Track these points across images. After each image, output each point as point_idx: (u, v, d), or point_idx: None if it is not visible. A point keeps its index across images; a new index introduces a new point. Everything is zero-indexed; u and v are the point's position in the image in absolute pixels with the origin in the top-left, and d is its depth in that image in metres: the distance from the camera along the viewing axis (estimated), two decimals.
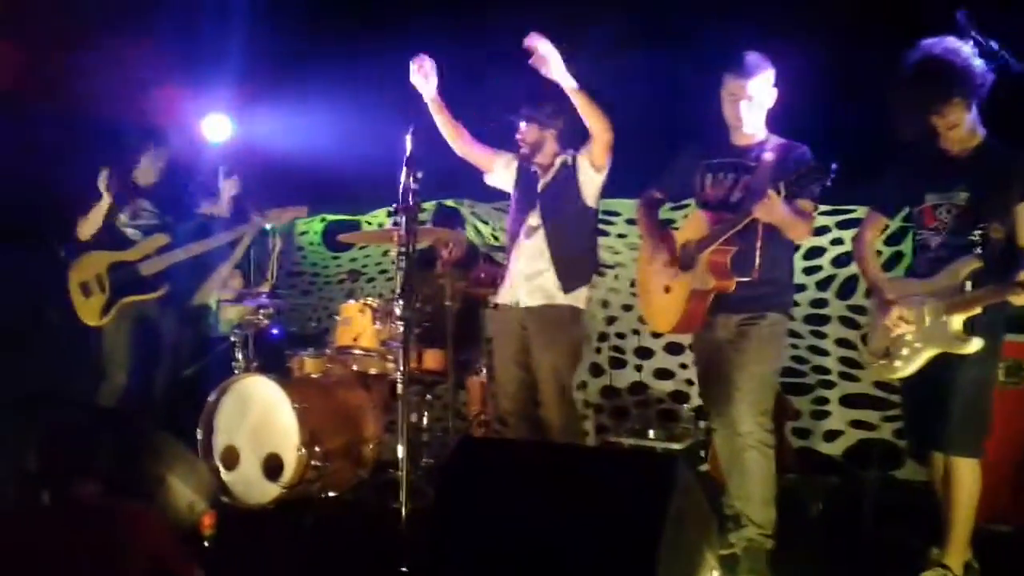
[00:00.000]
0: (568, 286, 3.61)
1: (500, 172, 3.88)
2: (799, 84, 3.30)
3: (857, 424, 4.74)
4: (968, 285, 2.86)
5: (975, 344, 2.84)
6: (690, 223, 3.34)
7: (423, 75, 3.68)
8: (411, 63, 3.69)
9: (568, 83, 3.42)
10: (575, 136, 3.62)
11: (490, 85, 4.29)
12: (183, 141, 5.12)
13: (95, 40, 4.86)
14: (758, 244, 3.14)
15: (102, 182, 4.33)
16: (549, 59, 3.37)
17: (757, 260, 3.14)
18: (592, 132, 3.53)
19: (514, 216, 3.78)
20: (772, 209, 2.96)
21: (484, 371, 4.58)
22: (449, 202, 5.72)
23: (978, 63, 2.86)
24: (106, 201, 4.37)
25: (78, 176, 4.50)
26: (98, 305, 4.42)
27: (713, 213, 3.23)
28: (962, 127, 2.94)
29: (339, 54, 5.22)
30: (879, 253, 4.38)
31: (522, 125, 3.69)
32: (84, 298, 4.44)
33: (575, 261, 3.65)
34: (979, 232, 2.91)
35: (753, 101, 3.21)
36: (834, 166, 2.85)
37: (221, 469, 3.94)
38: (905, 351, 3.01)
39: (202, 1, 5.30)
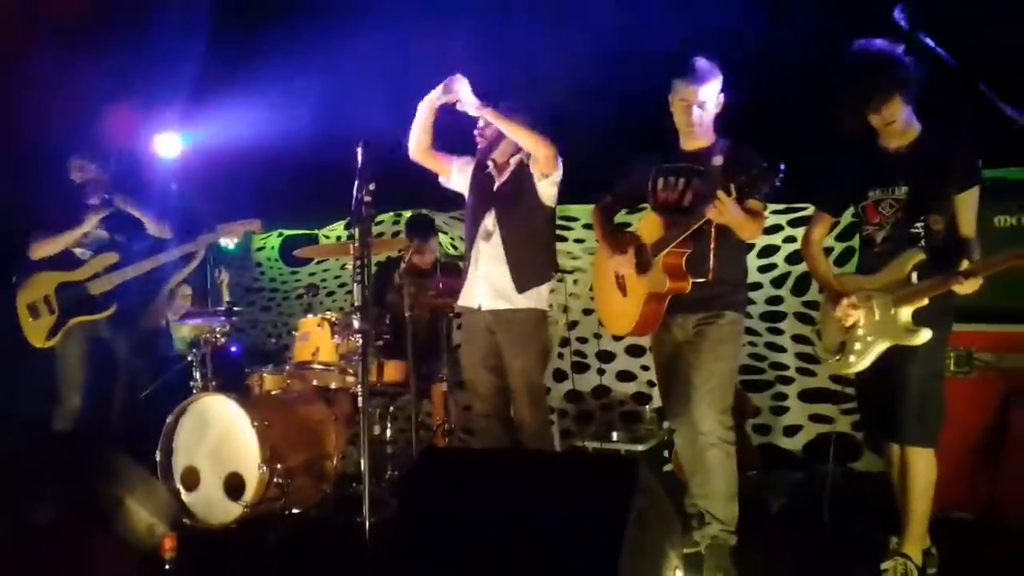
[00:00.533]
0: (522, 286, 3.61)
1: (456, 176, 3.88)
2: (747, 85, 3.35)
3: (816, 418, 4.81)
4: (914, 277, 2.93)
5: (924, 335, 2.89)
6: (644, 226, 3.36)
7: (458, 91, 3.56)
8: (443, 87, 3.58)
9: (483, 112, 3.50)
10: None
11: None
12: (133, 160, 5.05)
13: (43, 57, 4.78)
14: (712, 245, 3.18)
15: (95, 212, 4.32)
16: (462, 97, 3.50)
17: (711, 261, 3.19)
18: (528, 151, 3.57)
19: (470, 220, 3.78)
20: (724, 210, 2.99)
21: (446, 381, 4.57)
22: (407, 213, 5.70)
23: (911, 59, 2.93)
24: (89, 226, 4.34)
25: (23, 195, 4.41)
26: (47, 326, 4.33)
27: (667, 216, 3.26)
28: (899, 123, 2.99)
29: (290, 67, 5.18)
30: (831, 249, 4.46)
31: (481, 120, 3.69)
32: (32, 320, 4.35)
33: (530, 261, 3.64)
34: (920, 224, 2.98)
35: (704, 107, 3.24)
36: (782, 166, 2.89)
37: (182, 490, 3.87)
38: (858, 346, 3.06)
39: (151, 19, 5.24)
